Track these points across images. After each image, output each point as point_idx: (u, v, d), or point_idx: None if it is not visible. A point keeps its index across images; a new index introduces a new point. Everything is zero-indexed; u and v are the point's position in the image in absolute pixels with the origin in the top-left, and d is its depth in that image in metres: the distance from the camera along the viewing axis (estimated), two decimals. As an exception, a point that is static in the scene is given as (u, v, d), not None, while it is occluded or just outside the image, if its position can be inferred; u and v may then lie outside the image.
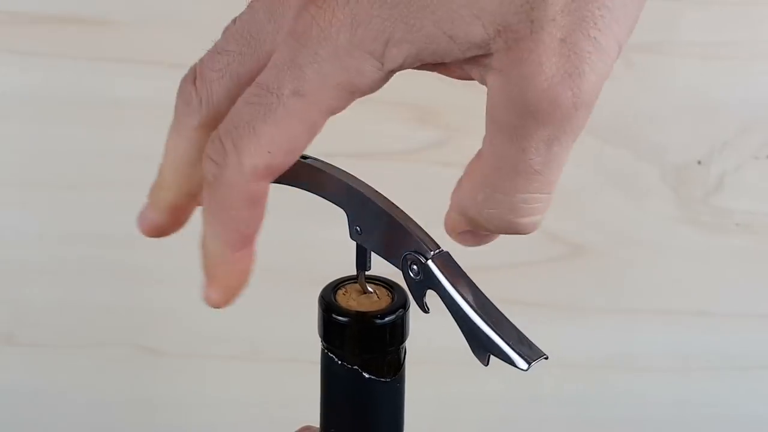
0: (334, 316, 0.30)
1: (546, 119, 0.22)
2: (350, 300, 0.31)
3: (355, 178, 0.31)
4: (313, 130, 0.26)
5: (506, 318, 0.28)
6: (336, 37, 0.24)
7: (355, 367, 0.30)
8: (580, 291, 0.66)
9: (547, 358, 0.26)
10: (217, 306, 0.30)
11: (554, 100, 0.22)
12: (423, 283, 0.29)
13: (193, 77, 0.29)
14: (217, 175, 0.27)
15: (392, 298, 0.32)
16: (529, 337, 0.30)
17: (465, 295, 0.28)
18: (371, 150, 0.60)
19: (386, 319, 0.30)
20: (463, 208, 0.26)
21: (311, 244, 0.59)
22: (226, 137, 0.26)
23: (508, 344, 0.26)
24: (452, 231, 0.28)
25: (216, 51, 0.29)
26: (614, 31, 0.22)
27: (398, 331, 0.31)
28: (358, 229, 0.31)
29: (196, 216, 0.60)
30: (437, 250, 0.29)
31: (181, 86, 0.30)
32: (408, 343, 0.33)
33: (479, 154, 0.25)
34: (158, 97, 0.60)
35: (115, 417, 0.68)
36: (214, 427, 0.68)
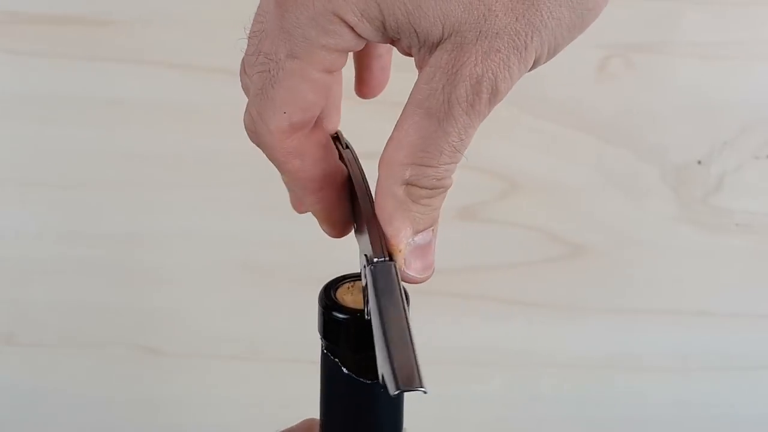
0: (329, 311, 0.30)
1: (469, 110, 0.27)
2: (349, 296, 0.31)
3: (362, 174, 0.31)
4: (317, 87, 0.28)
5: (411, 344, 0.27)
6: (313, 4, 0.27)
7: (348, 366, 0.30)
8: (580, 291, 0.66)
9: (425, 393, 0.25)
10: (335, 237, 0.33)
11: (478, 96, 0.27)
12: (365, 288, 0.29)
13: (242, 67, 0.32)
14: (257, 142, 0.30)
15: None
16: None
17: (383, 310, 0.27)
18: (371, 150, 0.60)
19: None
20: (392, 187, 0.29)
21: (311, 244, 0.59)
22: (252, 107, 0.29)
23: (390, 364, 0.26)
24: (394, 236, 0.29)
25: (249, 36, 0.31)
26: (537, 49, 0.27)
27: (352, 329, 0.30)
28: (356, 226, 0.31)
29: (195, 216, 0.60)
30: (380, 259, 0.29)
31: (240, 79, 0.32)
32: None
33: (395, 137, 0.28)
34: (158, 97, 0.60)
35: (115, 417, 0.68)
36: (214, 426, 0.68)
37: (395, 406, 0.32)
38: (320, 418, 0.33)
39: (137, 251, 0.63)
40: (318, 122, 0.31)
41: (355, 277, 0.32)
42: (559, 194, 0.63)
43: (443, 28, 0.26)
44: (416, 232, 0.29)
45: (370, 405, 0.31)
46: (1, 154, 0.61)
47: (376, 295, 0.28)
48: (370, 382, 0.30)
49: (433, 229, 0.30)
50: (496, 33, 0.26)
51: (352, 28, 0.27)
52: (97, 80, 0.59)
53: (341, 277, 0.32)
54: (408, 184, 0.28)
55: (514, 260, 0.65)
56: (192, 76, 0.58)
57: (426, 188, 0.28)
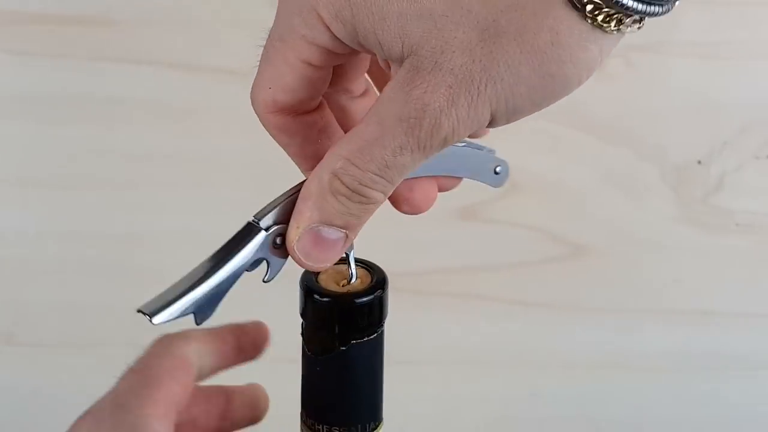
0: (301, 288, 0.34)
1: (408, 132, 0.27)
2: (327, 280, 0.34)
3: None
4: (297, 74, 0.30)
5: (189, 286, 0.32)
6: None
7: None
8: (581, 291, 0.66)
9: (151, 322, 0.32)
10: None
11: (419, 122, 0.27)
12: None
13: None
14: (255, 111, 0.32)
15: (371, 280, 0.33)
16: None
17: (212, 255, 0.33)
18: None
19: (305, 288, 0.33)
20: (321, 172, 0.29)
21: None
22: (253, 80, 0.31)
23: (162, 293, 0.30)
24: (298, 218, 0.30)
25: None
26: (492, 101, 0.26)
27: (308, 306, 0.33)
28: None
29: (195, 216, 0.60)
30: (256, 221, 0.31)
31: None
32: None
33: (350, 131, 0.29)
34: (158, 97, 0.60)
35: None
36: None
37: (341, 377, 0.34)
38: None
39: (137, 251, 0.63)
40: (321, 107, 0.32)
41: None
42: (559, 194, 0.63)
43: (402, 46, 0.27)
44: (324, 223, 0.30)
45: (320, 377, 0.34)
46: (1, 154, 0.61)
47: (224, 244, 0.32)
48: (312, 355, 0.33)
49: (346, 234, 0.30)
50: (451, 69, 0.26)
51: (327, 26, 0.28)
52: (97, 80, 0.59)
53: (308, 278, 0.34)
54: (333, 174, 0.28)
55: (515, 260, 0.64)
56: (192, 76, 0.58)
57: (346, 186, 0.28)
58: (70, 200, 0.62)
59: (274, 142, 0.34)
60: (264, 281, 0.31)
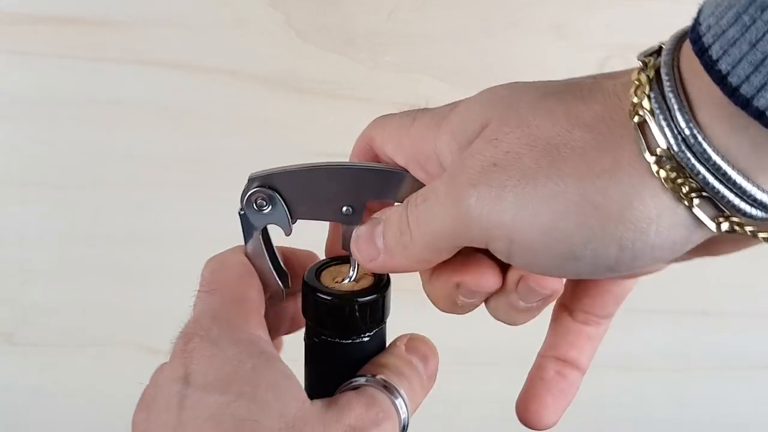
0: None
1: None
2: (328, 278, 0.34)
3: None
4: None
5: None
6: None
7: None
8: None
9: None
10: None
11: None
12: None
13: None
14: None
15: (372, 276, 0.34)
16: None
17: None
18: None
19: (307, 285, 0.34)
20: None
21: (311, 245, 0.59)
22: None
23: None
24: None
25: None
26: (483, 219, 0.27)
27: (309, 303, 0.34)
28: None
29: (195, 216, 0.60)
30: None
31: None
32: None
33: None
34: (158, 97, 0.60)
35: (115, 417, 0.68)
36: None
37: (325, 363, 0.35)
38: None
39: (137, 251, 0.63)
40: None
41: (340, 260, 0.35)
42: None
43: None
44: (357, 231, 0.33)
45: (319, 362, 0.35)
46: (1, 154, 0.61)
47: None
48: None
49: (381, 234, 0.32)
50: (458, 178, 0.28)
51: None
52: (97, 80, 0.59)
53: (327, 261, 0.35)
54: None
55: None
56: (192, 76, 0.58)
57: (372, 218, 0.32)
58: (70, 200, 0.62)
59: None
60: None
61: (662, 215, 0.24)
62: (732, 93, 0.22)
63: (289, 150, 0.57)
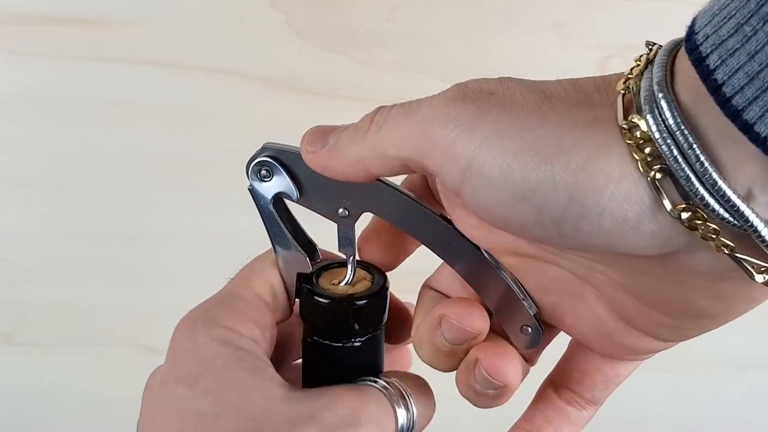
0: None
1: None
2: (326, 280, 0.34)
3: None
4: None
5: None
6: None
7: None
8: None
9: None
10: None
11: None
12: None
13: None
14: None
15: (371, 282, 0.34)
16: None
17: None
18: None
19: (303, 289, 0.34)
20: None
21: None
22: None
23: None
24: None
25: None
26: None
27: (303, 303, 0.34)
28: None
29: (195, 216, 0.59)
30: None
31: None
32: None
33: None
34: (158, 97, 0.60)
35: (115, 417, 0.68)
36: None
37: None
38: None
39: (137, 251, 0.63)
40: None
41: (337, 263, 0.35)
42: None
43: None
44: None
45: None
46: (1, 154, 0.61)
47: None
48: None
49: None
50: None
51: None
52: (97, 80, 0.59)
53: (329, 263, 0.35)
54: None
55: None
56: (192, 76, 0.58)
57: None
58: (70, 200, 0.62)
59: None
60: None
61: (622, 180, 0.24)
62: (724, 104, 0.22)
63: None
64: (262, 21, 0.57)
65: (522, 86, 0.27)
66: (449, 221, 0.32)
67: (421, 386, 0.35)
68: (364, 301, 0.33)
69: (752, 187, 0.23)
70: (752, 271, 0.24)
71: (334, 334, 0.33)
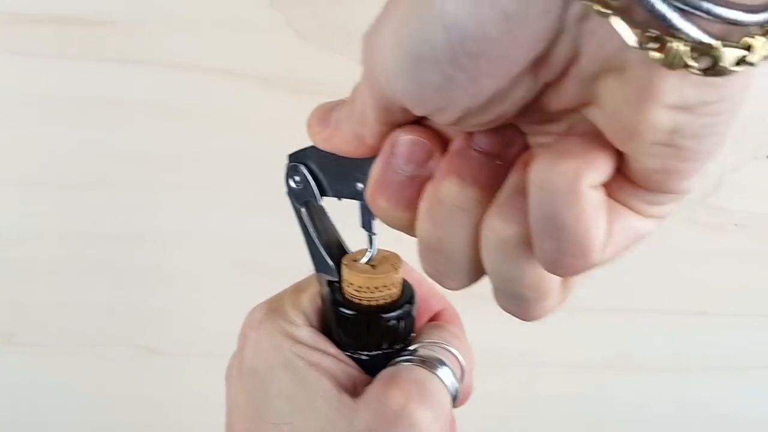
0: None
1: None
2: (349, 258, 0.35)
3: None
4: None
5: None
6: None
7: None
8: (579, 291, 0.66)
9: None
10: None
11: None
12: None
13: None
14: None
15: (394, 268, 0.35)
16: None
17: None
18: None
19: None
20: None
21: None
22: None
23: None
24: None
25: None
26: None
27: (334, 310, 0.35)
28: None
29: (195, 216, 0.60)
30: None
31: None
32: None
33: None
34: (158, 97, 0.60)
35: (115, 417, 0.68)
36: (214, 427, 0.68)
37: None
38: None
39: (137, 251, 0.63)
40: None
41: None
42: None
43: None
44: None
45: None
46: (1, 154, 0.61)
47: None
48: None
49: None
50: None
51: None
52: (97, 80, 0.59)
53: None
54: None
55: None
56: (192, 76, 0.58)
57: None
58: (71, 200, 0.62)
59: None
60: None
61: None
62: None
63: (289, 150, 0.57)
64: (261, 21, 0.57)
65: None
66: None
67: (442, 328, 0.38)
68: (390, 316, 0.35)
69: None
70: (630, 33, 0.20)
71: (346, 343, 0.35)
